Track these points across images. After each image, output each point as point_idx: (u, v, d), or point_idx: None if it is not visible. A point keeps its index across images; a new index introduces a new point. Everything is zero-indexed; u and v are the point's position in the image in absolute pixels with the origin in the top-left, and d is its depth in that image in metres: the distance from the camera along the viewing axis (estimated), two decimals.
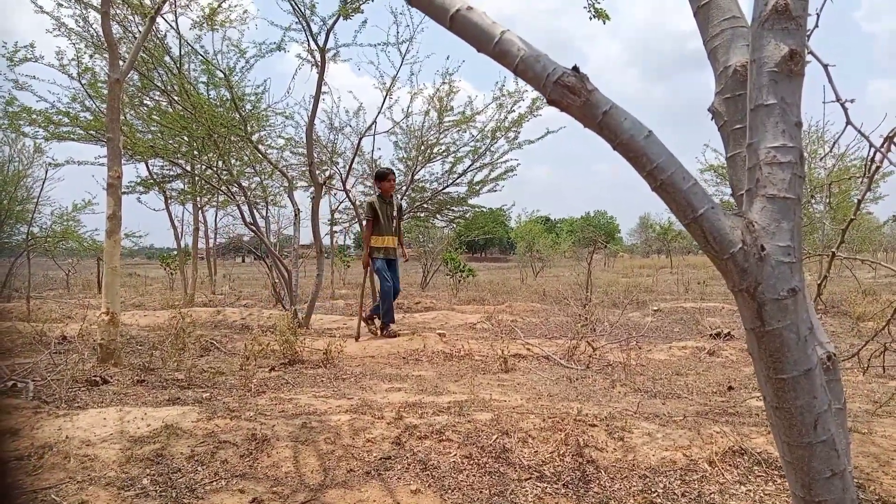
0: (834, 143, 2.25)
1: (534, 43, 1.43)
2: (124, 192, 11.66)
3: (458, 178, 13.73)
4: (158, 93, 10.02)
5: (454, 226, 19.40)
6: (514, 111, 12.54)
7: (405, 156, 13.89)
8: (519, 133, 12.84)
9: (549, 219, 60.36)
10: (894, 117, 2.55)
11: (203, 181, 11.73)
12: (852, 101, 1.68)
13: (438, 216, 16.35)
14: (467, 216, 17.73)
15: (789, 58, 1.31)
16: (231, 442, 4.21)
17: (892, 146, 2.21)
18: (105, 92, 7.21)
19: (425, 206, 14.88)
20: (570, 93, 1.37)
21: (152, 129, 10.90)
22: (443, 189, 14.07)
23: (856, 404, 5.62)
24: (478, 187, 14.18)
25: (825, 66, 1.66)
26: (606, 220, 67.60)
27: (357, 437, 4.32)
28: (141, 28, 7.66)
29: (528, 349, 8.42)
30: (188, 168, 11.90)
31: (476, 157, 13.36)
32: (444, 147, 13.51)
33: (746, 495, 3.73)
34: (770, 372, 1.35)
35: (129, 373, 6.30)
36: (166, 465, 3.93)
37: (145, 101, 10.77)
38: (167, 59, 9.57)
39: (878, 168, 2.15)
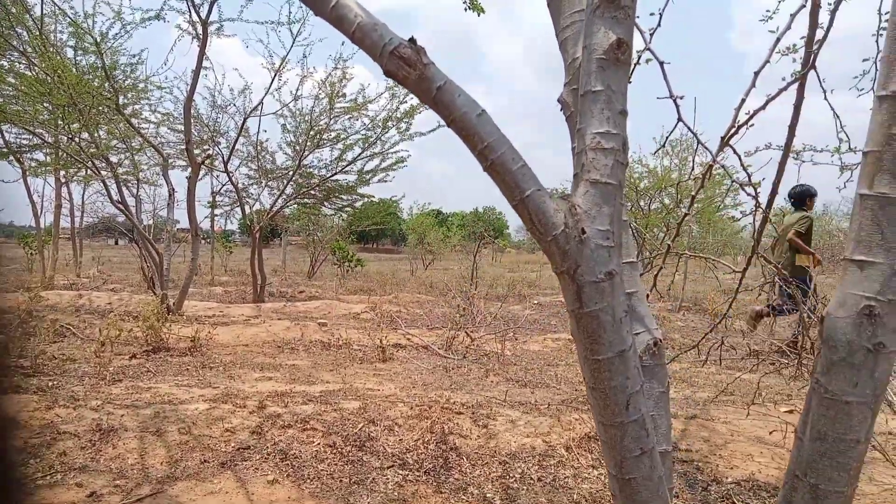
0: (666, 139, 2.38)
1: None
2: None
3: (348, 165, 13.50)
4: (17, 53, 9.10)
5: (343, 214, 19.10)
6: (406, 101, 12.47)
7: (293, 140, 13.48)
8: (411, 124, 12.81)
9: (440, 212, 60.92)
10: (730, 128, 2.74)
11: (66, 154, 10.78)
12: (682, 97, 1.77)
13: (326, 203, 16.01)
14: (356, 205, 17.50)
15: (616, 46, 1.34)
16: (72, 433, 3.89)
17: (729, 148, 2.35)
18: None
19: (312, 192, 14.53)
20: (405, 65, 1.34)
21: (5, 91, 9.87)
22: (331, 176, 13.79)
23: (704, 393, 6.06)
24: (368, 176, 14.00)
25: (661, 63, 1.73)
26: (496, 216, 69.20)
27: (214, 427, 4.12)
28: None
29: (409, 339, 8.44)
30: (49, 138, 10.89)
31: (367, 145, 13.18)
32: (334, 133, 13.23)
33: (598, 479, 3.90)
34: (587, 353, 1.39)
35: None
36: None
37: (1, 62, 9.74)
38: (28, 17, 8.70)
39: (710, 167, 2.29)
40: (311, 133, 12.86)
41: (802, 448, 1.48)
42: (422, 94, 1.36)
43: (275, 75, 11.19)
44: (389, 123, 12.71)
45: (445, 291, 14.90)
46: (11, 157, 11.76)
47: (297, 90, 12.29)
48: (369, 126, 12.98)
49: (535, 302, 13.66)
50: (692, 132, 2.05)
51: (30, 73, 9.32)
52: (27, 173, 13.52)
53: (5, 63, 9.88)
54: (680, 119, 1.90)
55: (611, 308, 1.35)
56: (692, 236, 18.04)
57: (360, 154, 13.33)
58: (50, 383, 5.15)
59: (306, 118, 12.89)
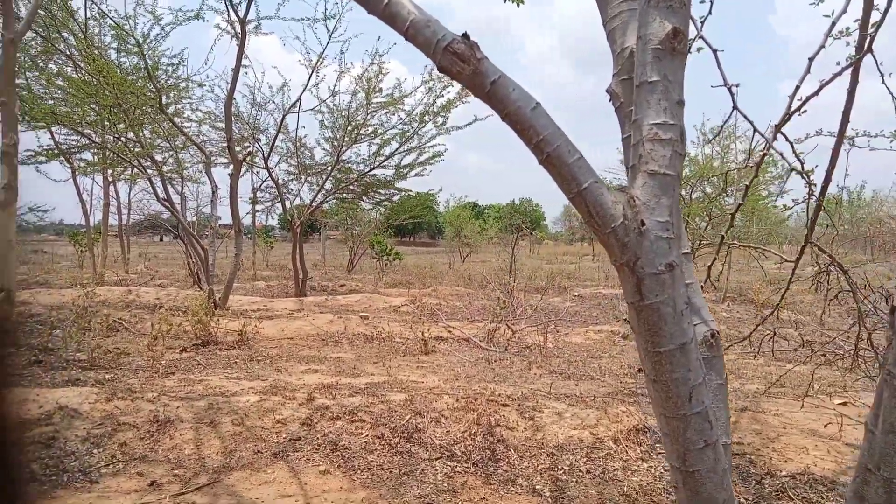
0: (720, 128, 2.33)
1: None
2: (24, 163, 10.96)
3: (385, 160, 13.59)
4: (63, 57, 9.40)
5: (381, 209, 19.23)
6: (443, 96, 12.48)
7: (331, 135, 13.62)
8: (447, 118, 12.81)
9: (477, 205, 60.81)
10: (785, 114, 2.67)
11: (113, 153, 11.11)
12: (737, 85, 1.73)
13: (365, 198, 16.15)
14: (394, 199, 17.60)
15: (672, 35, 1.33)
16: (131, 424, 4.03)
17: (781, 135, 2.30)
18: None
19: (351, 187, 14.67)
20: (459, 60, 1.34)
21: (55, 94, 10.22)
22: (369, 171, 13.89)
23: (754, 386, 5.95)
24: (405, 171, 14.08)
25: (714, 51, 1.70)
26: (532, 208, 68.76)
27: (266, 419, 4.22)
28: None
29: (450, 332, 8.47)
30: (96, 138, 11.23)
31: (404, 140, 13.24)
32: (371, 129, 13.33)
33: (648, 471, 3.87)
34: (648, 346, 1.38)
35: (26, 353, 5.92)
36: (58, 449, 3.73)
37: (49, 65, 10.08)
38: (72, 20, 8.97)
39: (764, 155, 2.24)
40: (349, 128, 12.96)
41: (874, 441, 1.45)
42: (476, 88, 1.37)
43: (312, 72, 11.31)
44: (426, 118, 12.72)
45: (484, 284, 14.90)
46: (61, 158, 12.18)
47: (335, 86, 12.38)
48: (406, 120, 13.03)
49: (576, 294, 13.56)
50: (748, 121, 2.01)
51: (76, 76, 9.61)
52: (76, 173, 13.98)
53: (53, 66, 10.22)
54: (735, 107, 1.86)
55: (672, 300, 1.34)
56: (735, 225, 17.64)
57: (397, 149, 13.39)
58: (107, 376, 5.33)
59: (343, 114, 12.99)
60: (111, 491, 3.35)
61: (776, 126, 2.15)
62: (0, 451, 0.81)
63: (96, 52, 9.13)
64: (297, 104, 12.04)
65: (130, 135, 10.24)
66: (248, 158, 11.92)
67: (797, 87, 2.02)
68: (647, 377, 1.47)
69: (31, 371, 5.40)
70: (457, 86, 12.40)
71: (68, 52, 9.05)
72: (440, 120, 12.75)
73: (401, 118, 13.07)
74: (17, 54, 6.19)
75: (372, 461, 3.84)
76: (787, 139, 2.51)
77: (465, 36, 1.35)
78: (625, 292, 1.40)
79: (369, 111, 12.85)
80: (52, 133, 11.53)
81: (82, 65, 9.04)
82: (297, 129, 14.39)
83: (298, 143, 13.95)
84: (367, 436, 4.13)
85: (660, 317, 1.34)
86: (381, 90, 12.63)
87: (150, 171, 10.63)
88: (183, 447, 3.86)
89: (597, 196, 1.32)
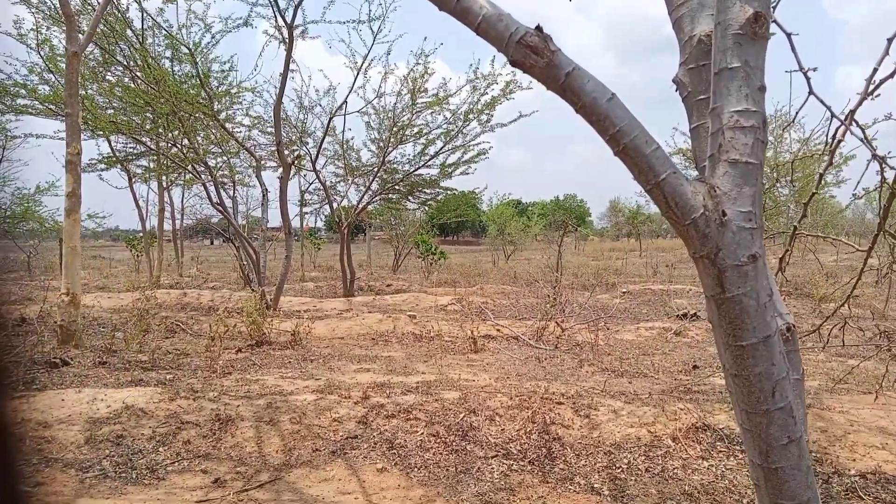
0: (796, 113, 2.25)
1: None
2: (86, 170, 11.38)
3: (430, 159, 13.65)
4: (121, 67, 9.73)
5: (426, 208, 19.31)
6: (487, 94, 12.47)
7: (377, 137, 13.75)
8: (492, 116, 12.79)
9: (520, 202, 60.47)
10: (863, 99, 2.57)
11: (168, 159, 11.45)
12: (814, 69, 1.67)
13: (410, 198, 16.25)
14: (439, 198, 17.64)
15: (754, 20, 1.29)
16: (194, 422, 4.14)
17: (853, 121, 2.21)
18: (64, 65, 6.98)
19: (397, 187, 14.78)
20: (532, 53, 1.33)
21: (114, 104, 10.59)
22: (414, 171, 13.98)
23: (816, 382, 5.75)
24: (450, 170, 14.12)
25: (788, 35, 1.64)
26: (577, 204, 67.94)
27: (323, 417, 4.28)
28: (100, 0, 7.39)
29: (498, 330, 8.45)
30: (152, 146, 11.61)
31: (448, 139, 13.28)
32: (416, 129, 13.41)
33: (709, 470, 3.79)
34: (729, 339, 1.34)
35: (91, 354, 6.15)
36: (126, 447, 3.85)
37: (107, 77, 10.46)
38: (129, 32, 9.28)
39: (839, 142, 2.16)
40: (395, 129, 13.05)
41: None
42: (549, 80, 1.35)
43: (357, 74, 11.44)
44: (471, 116, 12.72)
45: (531, 282, 14.81)
46: (119, 165, 12.62)
47: (380, 87, 12.52)
48: (451, 119, 13.06)
49: (624, 290, 13.36)
50: (825, 106, 1.94)
51: (133, 86, 9.95)
52: (133, 179, 14.47)
53: (111, 77, 10.59)
54: (811, 93, 1.79)
55: (755, 292, 1.30)
56: (789, 216, 17.11)
57: (441, 148, 13.43)
58: (168, 376, 5.49)
59: (389, 115, 13.10)
60: (177, 488, 3.45)
61: (851, 111, 2.07)
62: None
63: (151, 60, 9.43)
64: (344, 106, 12.20)
65: (185, 141, 10.54)
66: (297, 161, 12.13)
67: (874, 70, 1.94)
68: (726, 372, 1.43)
69: (95, 372, 5.59)
70: (500, 83, 12.39)
71: (126, 63, 9.36)
72: (484, 117, 12.75)
73: (446, 117, 13.12)
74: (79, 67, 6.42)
75: (428, 459, 3.86)
76: (858, 125, 2.42)
77: (539, 28, 1.33)
78: (704, 285, 1.37)
79: (414, 111, 12.93)
80: (109, 142, 11.96)
81: (140, 74, 9.35)
82: (343, 131, 14.61)
83: (345, 146, 14.13)
84: (422, 434, 4.15)
85: (742, 309, 1.31)
86: (426, 90, 12.70)
87: (203, 177, 10.92)
88: (244, 445, 3.94)
89: (675, 187, 1.29)
